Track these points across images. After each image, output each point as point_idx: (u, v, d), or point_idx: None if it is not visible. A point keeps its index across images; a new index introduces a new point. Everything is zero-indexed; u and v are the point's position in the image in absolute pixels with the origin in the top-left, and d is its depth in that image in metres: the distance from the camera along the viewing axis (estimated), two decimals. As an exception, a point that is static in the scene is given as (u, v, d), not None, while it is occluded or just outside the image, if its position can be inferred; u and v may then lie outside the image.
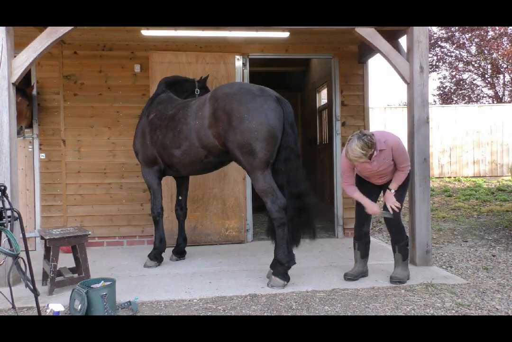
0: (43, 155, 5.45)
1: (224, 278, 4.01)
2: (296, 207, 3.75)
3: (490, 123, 11.43)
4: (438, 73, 19.40)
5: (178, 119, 4.09)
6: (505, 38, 15.40)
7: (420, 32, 4.32)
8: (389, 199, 3.77)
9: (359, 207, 3.94)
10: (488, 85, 17.42)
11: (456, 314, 3.09)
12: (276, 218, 3.65)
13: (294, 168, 3.74)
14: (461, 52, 17.23)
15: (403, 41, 4.63)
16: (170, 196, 5.34)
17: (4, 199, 2.79)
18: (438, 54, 17.56)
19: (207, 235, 5.55)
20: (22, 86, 4.92)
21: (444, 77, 18.10)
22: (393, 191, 3.75)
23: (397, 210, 3.74)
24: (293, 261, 3.75)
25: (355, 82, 5.98)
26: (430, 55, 16.94)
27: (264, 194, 3.69)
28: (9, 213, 2.79)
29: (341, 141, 5.92)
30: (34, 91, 5.40)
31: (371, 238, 5.87)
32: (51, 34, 3.93)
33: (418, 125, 4.33)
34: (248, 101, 3.65)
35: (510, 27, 14.87)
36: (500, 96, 17.11)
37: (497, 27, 15.01)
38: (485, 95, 17.87)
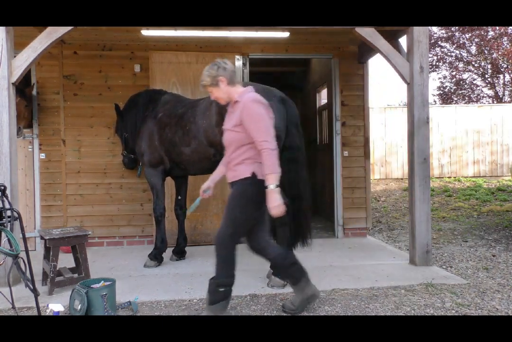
0: (43, 155, 5.45)
1: (224, 278, 4.01)
2: (291, 209, 3.74)
3: (490, 123, 11.43)
4: (438, 73, 19.37)
5: (187, 118, 4.16)
6: (505, 38, 15.40)
7: (420, 32, 4.32)
8: (270, 203, 2.73)
9: None
10: (488, 85, 17.41)
11: (456, 314, 3.09)
12: (277, 218, 3.64)
13: (296, 169, 3.73)
14: (461, 52, 17.22)
15: (403, 41, 4.63)
16: (170, 196, 5.34)
17: (4, 199, 2.79)
18: (438, 54, 17.55)
19: (207, 235, 5.55)
20: (21, 86, 4.92)
21: (444, 77, 18.09)
22: (271, 186, 2.69)
23: (281, 214, 2.79)
24: (293, 261, 3.73)
25: (355, 82, 5.97)
26: (430, 55, 16.94)
27: (265, 193, 3.68)
28: (9, 213, 2.79)
29: (341, 141, 5.92)
30: (34, 91, 5.40)
31: (371, 238, 5.90)
32: (51, 34, 3.93)
33: (418, 125, 4.33)
34: None
35: (510, 27, 14.86)
36: (500, 96, 17.10)
37: (497, 27, 15.00)
38: (485, 95, 17.86)
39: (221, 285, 2.89)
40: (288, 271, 3.08)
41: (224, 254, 2.93)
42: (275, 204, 2.71)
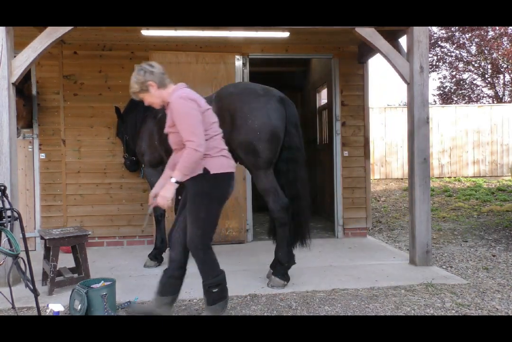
0: (43, 155, 5.45)
1: (224, 278, 4.01)
2: (292, 208, 3.75)
3: (490, 123, 11.43)
4: (438, 73, 19.39)
5: None
6: (505, 38, 15.40)
7: (420, 32, 4.32)
8: (163, 190, 2.72)
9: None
10: (488, 85, 17.41)
11: (456, 314, 3.09)
12: (278, 218, 3.65)
13: (295, 169, 3.74)
14: (461, 52, 17.23)
15: (403, 41, 4.63)
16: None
17: (4, 199, 2.79)
18: (438, 54, 17.56)
19: (207, 235, 5.54)
20: (19, 85, 4.91)
21: (444, 77, 18.10)
22: (173, 180, 2.67)
23: (165, 207, 2.78)
24: (293, 261, 3.75)
25: (355, 82, 5.97)
26: (430, 55, 16.93)
27: (266, 193, 3.69)
28: (9, 213, 2.78)
29: (341, 141, 5.92)
30: (34, 91, 5.40)
31: (371, 238, 5.90)
32: (51, 34, 3.93)
33: (418, 125, 4.33)
34: (251, 101, 3.66)
35: (510, 27, 14.86)
36: (500, 96, 17.11)
37: (497, 27, 15.00)
38: (485, 95, 17.87)
39: (212, 286, 2.84)
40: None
41: (202, 257, 2.84)
42: (166, 194, 2.68)
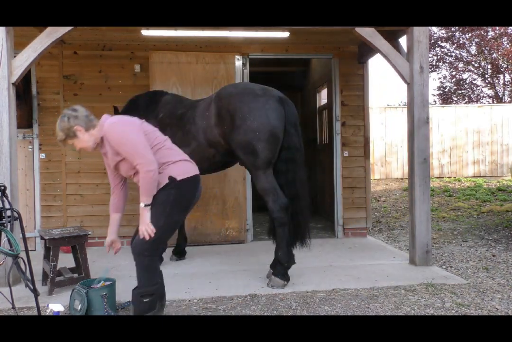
0: (43, 155, 5.45)
1: (224, 278, 4.01)
2: (291, 208, 3.75)
3: (490, 123, 11.43)
4: (438, 73, 19.41)
5: (186, 119, 4.15)
6: (505, 38, 15.40)
7: (420, 32, 4.32)
8: (141, 218, 2.69)
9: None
10: (488, 85, 17.42)
11: (456, 314, 3.09)
12: (277, 218, 3.65)
13: (295, 169, 3.74)
14: (461, 52, 17.23)
15: (403, 41, 4.63)
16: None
17: (4, 199, 2.79)
18: (438, 54, 17.56)
19: (207, 235, 5.55)
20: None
21: (444, 77, 18.11)
22: (142, 205, 2.66)
23: (147, 236, 2.65)
24: (293, 261, 3.75)
25: (355, 82, 5.98)
26: (430, 55, 16.94)
27: (265, 193, 3.69)
28: (9, 213, 2.78)
29: (341, 141, 5.92)
30: (34, 91, 5.41)
31: (371, 238, 5.90)
32: (51, 34, 3.93)
33: (418, 125, 4.33)
34: (250, 101, 3.66)
35: (510, 27, 14.87)
36: (500, 96, 17.11)
37: (497, 27, 15.00)
38: (485, 95, 17.88)
39: (145, 294, 2.70)
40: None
41: (146, 263, 2.72)
42: (146, 221, 2.65)
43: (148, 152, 2.62)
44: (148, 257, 2.70)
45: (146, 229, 2.64)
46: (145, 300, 2.70)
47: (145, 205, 2.65)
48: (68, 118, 2.65)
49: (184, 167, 2.79)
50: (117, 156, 2.70)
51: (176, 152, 2.86)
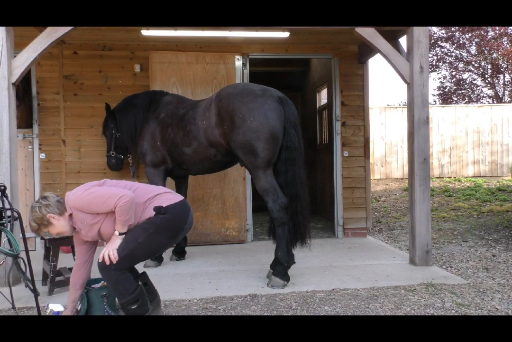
0: (43, 155, 5.45)
1: (224, 278, 4.01)
2: (291, 208, 3.75)
3: (490, 123, 11.43)
4: (438, 73, 19.40)
5: (187, 119, 4.16)
6: (505, 38, 15.40)
7: (420, 32, 4.32)
8: (110, 242, 2.67)
9: None
10: (488, 85, 17.42)
11: (456, 314, 3.09)
12: (277, 217, 3.65)
13: (294, 169, 3.75)
14: (461, 52, 17.23)
15: (403, 41, 4.63)
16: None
17: (4, 199, 2.80)
18: (438, 54, 17.56)
19: (207, 235, 5.55)
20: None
21: (444, 77, 18.11)
22: (117, 233, 2.64)
23: (107, 260, 2.61)
24: (293, 261, 3.75)
25: (355, 82, 5.98)
26: (430, 55, 16.94)
27: (265, 193, 3.70)
28: (9, 213, 2.79)
29: (341, 141, 5.92)
30: (34, 91, 5.41)
31: (371, 238, 5.90)
32: (51, 34, 3.93)
33: (418, 125, 4.33)
34: (249, 101, 3.68)
35: (510, 27, 14.87)
36: (500, 96, 17.11)
37: (497, 27, 15.00)
38: (485, 95, 17.87)
39: (130, 303, 2.67)
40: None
41: (114, 278, 2.64)
42: (113, 246, 2.62)
43: (117, 190, 2.60)
44: (113, 271, 2.62)
45: (109, 253, 2.60)
46: (133, 307, 2.68)
47: (119, 234, 2.63)
48: (39, 208, 2.61)
49: (166, 197, 2.77)
50: (97, 219, 2.64)
51: (152, 189, 2.83)
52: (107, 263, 2.60)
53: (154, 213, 2.68)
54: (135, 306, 2.67)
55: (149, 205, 2.71)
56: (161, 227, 2.68)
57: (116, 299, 2.78)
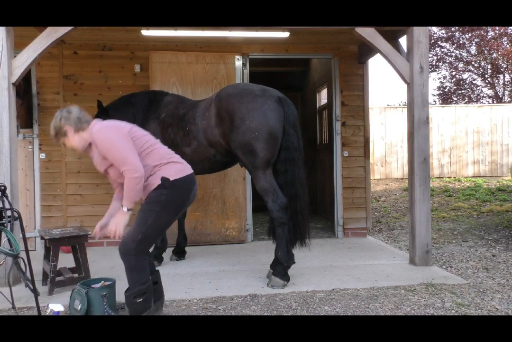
0: (43, 155, 5.45)
1: (224, 278, 4.01)
2: (290, 208, 3.75)
3: (490, 123, 11.43)
4: (438, 73, 19.40)
5: (187, 119, 4.16)
6: (505, 38, 15.40)
7: (420, 32, 4.32)
8: (117, 218, 2.72)
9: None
10: (488, 85, 17.42)
11: (456, 314, 3.09)
12: (276, 217, 3.65)
13: (294, 169, 3.75)
14: (461, 52, 17.23)
15: (403, 41, 4.63)
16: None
17: (4, 199, 2.80)
18: (438, 54, 17.56)
19: (207, 235, 5.55)
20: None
21: (444, 77, 18.11)
22: (125, 208, 2.68)
23: (112, 235, 2.69)
24: (292, 261, 3.76)
25: (355, 82, 5.98)
26: (430, 55, 16.94)
27: (265, 193, 3.70)
28: (9, 213, 2.79)
29: (341, 141, 5.92)
30: (34, 91, 5.41)
31: (371, 238, 5.90)
32: (51, 34, 3.93)
33: (418, 125, 4.33)
34: (248, 101, 3.68)
35: (510, 27, 14.87)
36: (500, 96, 17.11)
37: (497, 27, 15.00)
38: (485, 95, 17.87)
39: (137, 294, 2.67)
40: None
41: (133, 263, 2.67)
42: (119, 221, 2.68)
43: (135, 159, 2.61)
44: (134, 256, 2.66)
45: (116, 230, 2.67)
46: (138, 300, 2.68)
47: (127, 210, 2.68)
48: (61, 118, 2.75)
49: (176, 168, 2.78)
50: (105, 161, 2.72)
51: (168, 155, 2.84)
52: (112, 236, 2.68)
53: (160, 182, 2.68)
54: (141, 299, 2.67)
55: (158, 172, 2.71)
56: (166, 203, 2.70)
57: (124, 297, 2.77)
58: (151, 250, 4.72)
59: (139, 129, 2.86)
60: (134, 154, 2.64)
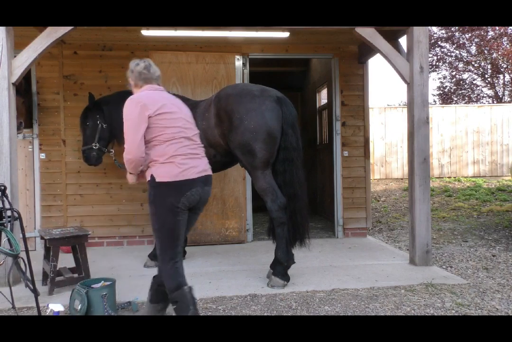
0: (43, 155, 5.45)
1: (224, 278, 4.01)
2: (289, 208, 3.75)
3: (490, 123, 11.44)
4: (438, 73, 19.42)
5: None
6: (505, 38, 15.40)
7: (420, 32, 4.32)
8: (127, 175, 2.86)
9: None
10: (488, 85, 17.42)
11: (456, 314, 3.09)
12: (276, 217, 3.66)
13: (292, 169, 3.75)
14: (461, 52, 17.23)
15: (403, 41, 4.63)
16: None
17: (4, 199, 2.80)
18: (438, 54, 17.56)
19: (207, 235, 5.55)
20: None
21: (444, 77, 18.11)
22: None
23: (129, 182, 2.87)
24: (292, 260, 3.76)
25: (355, 82, 5.97)
26: (430, 55, 16.94)
27: (264, 193, 3.70)
28: (9, 213, 2.79)
29: (341, 141, 5.92)
30: (34, 91, 5.40)
31: (371, 238, 5.90)
32: (51, 34, 3.93)
33: (418, 125, 4.33)
34: (247, 101, 3.69)
35: (510, 27, 14.87)
36: (500, 96, 17.11)
37: (497, 27, 15.00)
38: (485, 95, 17.87)
39: (172, 301, 2.62)
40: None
41: (160, 266, 2.69)
42: (128, 177, 2.84)
43: (134, 142, 2.57)
44: (160, 261, 2.66)
45: (129, 181, 2.85)
46: (173, 307, 2.63)
47: (130, 173, 2.79)
48: (129, 69, 2.93)
49: (168, 170, 2.59)
50: None
51: (174, 154, 2.61)
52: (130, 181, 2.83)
53: (149, 179, 2.64)
54: (175, 306, 2.59)
55: (152, 167, 2.63)
56: (157, 204, 2.61)
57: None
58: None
59: (170, 118, 2.66)
60: (136, 137, 2.56)
